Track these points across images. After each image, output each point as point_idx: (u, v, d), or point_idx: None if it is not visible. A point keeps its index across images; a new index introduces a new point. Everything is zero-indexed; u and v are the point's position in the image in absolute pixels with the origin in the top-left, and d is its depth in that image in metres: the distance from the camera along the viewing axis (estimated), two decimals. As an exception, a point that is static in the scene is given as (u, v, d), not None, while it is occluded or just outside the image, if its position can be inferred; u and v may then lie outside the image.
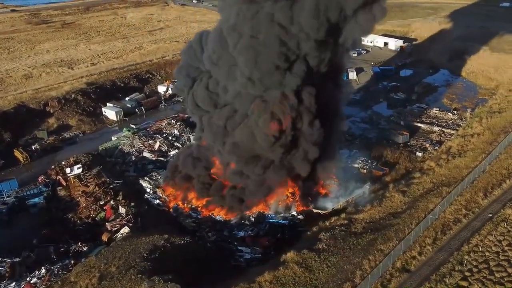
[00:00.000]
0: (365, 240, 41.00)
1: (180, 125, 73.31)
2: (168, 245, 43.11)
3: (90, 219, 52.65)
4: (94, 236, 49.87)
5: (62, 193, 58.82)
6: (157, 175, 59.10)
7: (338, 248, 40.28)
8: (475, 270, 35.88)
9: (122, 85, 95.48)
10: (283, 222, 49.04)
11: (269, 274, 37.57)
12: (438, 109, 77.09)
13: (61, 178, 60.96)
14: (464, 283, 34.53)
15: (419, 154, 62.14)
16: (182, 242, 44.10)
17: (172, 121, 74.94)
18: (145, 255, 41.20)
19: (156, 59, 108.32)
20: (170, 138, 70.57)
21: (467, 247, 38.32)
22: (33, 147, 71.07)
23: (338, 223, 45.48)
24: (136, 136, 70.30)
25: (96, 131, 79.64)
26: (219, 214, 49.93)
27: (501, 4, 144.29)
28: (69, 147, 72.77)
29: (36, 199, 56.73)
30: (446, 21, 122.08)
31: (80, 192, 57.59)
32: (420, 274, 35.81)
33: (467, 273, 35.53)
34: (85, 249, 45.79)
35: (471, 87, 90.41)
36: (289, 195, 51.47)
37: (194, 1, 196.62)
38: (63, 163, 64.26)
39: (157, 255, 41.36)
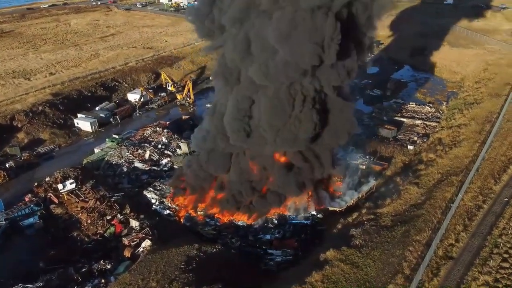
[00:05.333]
0: (399, 232, 42.20)
1: (167, 132, 71.27)
2: (202, 254, 41.98)
3: (98, 236, 50.06)
4: (107, 253, 47.54)
5: (57, 211, 55.21)
6: (161, 185, 57.13)
7: (375, 243, 41.17)
8: (511, 251, 38.00)
9: (89, 94, 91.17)
10: (305, 222, 49.25)
11: (318, 274, 37.67)
12: (414, 103, 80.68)
13: (52, 195, 57.29)
14: (506, 264, 36.51)
15: (410, 147, 64.64)
16: (214, 250, 43.10)
17: (158, 128, 72.66)
18: (182, 266, 39.86)
19: (119, 66, 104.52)
20: (159, 146, 68.45)
21: (496, 231, 40.52)
22: (7, 164, 66.06)
23: (363, 219, 46.43)
24: (123, 146, 67.53)
25: (72, 143, 75.54)
26: (241, 219, 49.25)
27: (445, 2, 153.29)
28: (47, 163, 68.48)
29: (31, 220, 52.94)
30: (401, 19, 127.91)
31: (79, 209, 54.52)
32: (463, 260, 37.37)
33: (505, 255, 37.56)
34: (108, 266, 43.46)
35: (438, 81, 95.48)
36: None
37: (138, 5, 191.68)
38: (47, 179, 60.45)
39: (194, 265, 40.13)
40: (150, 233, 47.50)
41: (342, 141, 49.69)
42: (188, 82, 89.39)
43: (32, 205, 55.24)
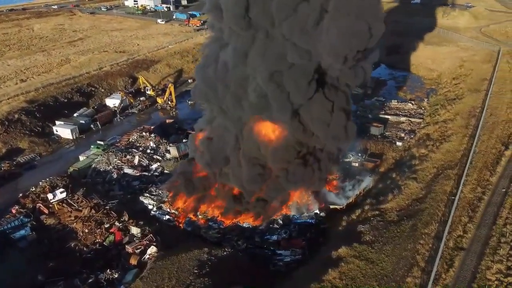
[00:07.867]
0: (407, 226, 42.89)
1: (155, 136, 69.90)
2: (213, 258, 41.32)
3: (97, 245, 48.48)
4: (108, 262, 46.09)
5: (49, 221, 53.12)
6: (157, 190, 55.93)
7: (386, 238, 41.69)
8: (517, 239, 39.29)
9: (66, 100, 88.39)
10: (310, 221, 49.30)
11: (334, 271, 37.78)
12: (396, 101, 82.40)
13: (41, 205, 55.09)
14: (515, 253, 37.70)
15: (399, 143, 65.89)
16: (225, 253, 42.53)
17: (144, 133, 71.16)
18: (195, 271, 39.17)
19: (94, 71, 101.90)
20: (148, 151, 67.04)
21: (500, 220, 41.83)
22: (-14, 176, 63.22)
23: (368, 215, 46.87)
24: (111, 153, 65.74)
25: (53, 152, 72.81)
26: (246, 221, 48.80)
27: (413, 1, 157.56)
28: (29, 173, 65.65)
29: (23, 231, 50.68)
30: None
31: (73, 218, 52.66)
32: (474, 250, 38.42)
33: (512, 243, 38.82)
34: (116, 275, 42.12)
35: (416, 79, 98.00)
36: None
37: (103, 9, 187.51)
38: (32, 189, 58.22)
39: (208, 269, 39.45)
40: (154, 239, 46.38)
41: None
42: (169, 85, 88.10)
43: (21, 217, 53.00)
